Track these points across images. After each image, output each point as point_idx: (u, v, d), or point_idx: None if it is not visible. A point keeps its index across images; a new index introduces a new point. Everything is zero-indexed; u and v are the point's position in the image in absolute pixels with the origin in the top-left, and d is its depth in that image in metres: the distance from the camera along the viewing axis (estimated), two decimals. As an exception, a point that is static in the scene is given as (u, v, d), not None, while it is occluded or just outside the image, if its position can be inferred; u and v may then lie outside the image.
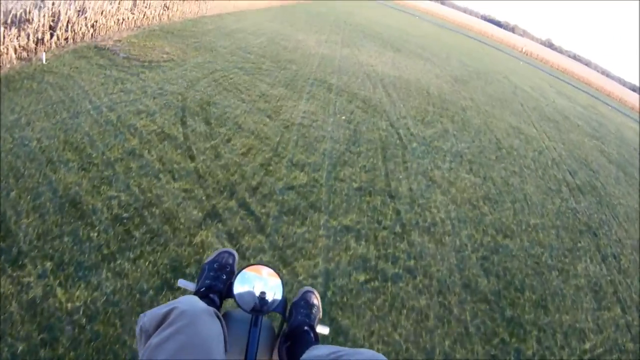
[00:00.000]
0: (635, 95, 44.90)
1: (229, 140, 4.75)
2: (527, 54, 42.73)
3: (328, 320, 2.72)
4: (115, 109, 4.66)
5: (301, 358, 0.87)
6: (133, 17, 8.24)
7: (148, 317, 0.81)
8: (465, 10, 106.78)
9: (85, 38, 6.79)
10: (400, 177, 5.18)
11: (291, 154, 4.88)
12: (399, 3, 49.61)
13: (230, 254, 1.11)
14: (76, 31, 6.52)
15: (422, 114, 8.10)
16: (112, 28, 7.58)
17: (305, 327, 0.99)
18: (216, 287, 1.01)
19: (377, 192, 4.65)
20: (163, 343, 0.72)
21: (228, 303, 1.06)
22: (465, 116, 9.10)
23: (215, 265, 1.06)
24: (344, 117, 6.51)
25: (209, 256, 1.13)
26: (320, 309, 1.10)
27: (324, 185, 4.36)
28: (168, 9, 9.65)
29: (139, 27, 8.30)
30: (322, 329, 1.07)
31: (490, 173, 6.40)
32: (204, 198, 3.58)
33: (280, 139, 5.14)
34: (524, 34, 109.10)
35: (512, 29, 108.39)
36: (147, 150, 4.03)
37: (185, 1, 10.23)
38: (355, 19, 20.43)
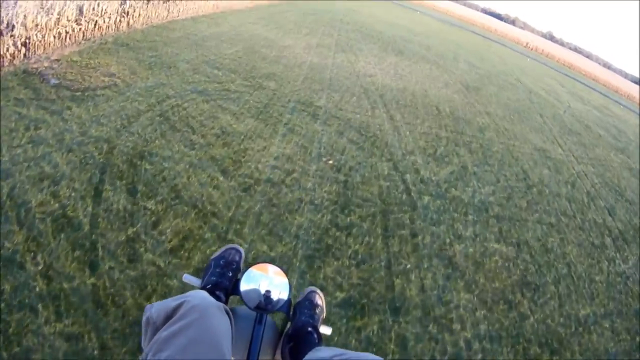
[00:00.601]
0: (637, 87, 44.29)
1: (155, 225, 3.10)
2: (532, 49, 40.87)
3: None
4: (11, 176, 3.03)
5: (304, 359, 0.88)
6: (80, 29, 6.53)
7: (156, 308, 0.81)
8: (465, 4, 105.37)
9: (15, 60, 5.13)
10: (408, 266, 3.53)
11: (248, 240, 3.22)
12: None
13: (237, 250, 1.10)
14: (1, 54, 4.87)
15: (434, 144, 6.42)
16: (52, 44, 5.90)
17: (309, 328, 1.00)
18: (222, 283, 1.00)
19: (374, 307, 3.01)
20: (173, 337, 0.71)
21: (233, 300, 1.02)
22: (484, 140, 7.42)
23: (221, 262, 1.05)
24: (331, 161, 4.83)
25: (216, 252, 1.11)
26: (324, 310, 1.09)
27: (293, 304, 2.65)
28: (127, 14, 7.94)
29: (89, 39, 6.60)
30: (326, 330, 1.06)
31: (524, 234, 4.77)
32: (96, 353, 1.96)
33: (234, 214, 3.48)
34: (525, 26, 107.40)
35: (513, 22, 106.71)
36: (30, 255, 2.45)
37: (150, 3, 8.50)
38: (354, 17, 18.65)
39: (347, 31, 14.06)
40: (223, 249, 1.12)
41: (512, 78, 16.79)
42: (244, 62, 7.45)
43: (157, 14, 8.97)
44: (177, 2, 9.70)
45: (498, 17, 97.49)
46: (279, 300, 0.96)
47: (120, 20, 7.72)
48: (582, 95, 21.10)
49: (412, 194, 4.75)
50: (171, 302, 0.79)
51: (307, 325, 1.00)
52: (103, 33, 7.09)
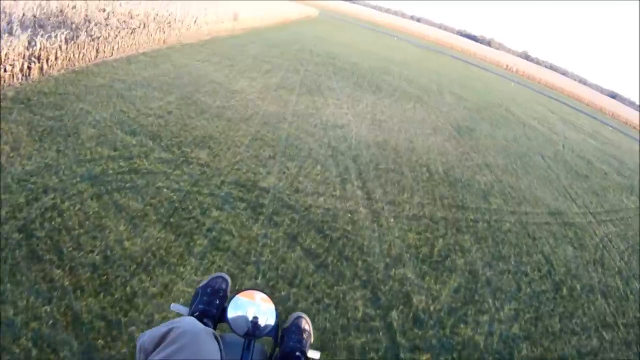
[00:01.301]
0: (616, 102, 44.91)
1: None
2: (513, 71, 40.30)
3: None
4: None
5: None
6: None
7: (148, 335, 0.82)
8: (440, 27, 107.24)
9: None
10: None
11: None
12: (376, 23, 47.22)
13: (224, 279, 1.10)
14: None
15: (429, 236, 4.65)
16: None
17: (297, 353, 1.01)
18: (210, 311, 1.01)
19: None
20: None
21: (221, 328, 1.02)
22: (490, 214, 5.73)
23: (208, 290, 1.06)
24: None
25: (202, 281, 1.11)
26: (312, 334, 1.09)
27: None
28: (39, 59, 6.06)
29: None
30: (314, 354, 1.06)
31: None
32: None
33: None
34: (500, 47, 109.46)
35: (489, 43, 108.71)
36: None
37: (74, 43, 6.66)
38: (325, 46, 17.09)
39: (316, 64, 12.38)
40: (210, 277, 1.11)
41: (502, 109, 15.40)
42: (173, 119, 5.58)
43: (81, 55, 7.09)
44: (112, 39, 7.85)
45: (474, 38, 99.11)
46: (266, 326, 0.96)
47: (29, 67, 5.83)
48: (572, 120, 20.22)
49: (403, 355, 2.84)
50: (162, 328, 0.79)
51: (296, 350, 1.00)
52: (4, 85, 5.20)
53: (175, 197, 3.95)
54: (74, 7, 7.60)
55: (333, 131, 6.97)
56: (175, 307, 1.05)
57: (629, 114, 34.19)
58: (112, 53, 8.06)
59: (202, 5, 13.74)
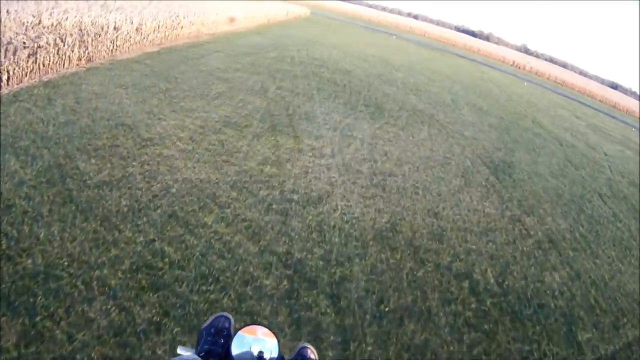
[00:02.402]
0: (618, 94, 42.16)
1: None
2: (519, 67, 37.07)
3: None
4: None
5: None
6: None
7: None
8: (438, 23, 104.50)
9: None
10: None
11: None
12: (373, 21, 44.05)
13: (226, 318, 1.11)
14: None
15: None
16: None
17: None
18: (215, 350, 1.01)
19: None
20: None
21: None
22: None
23: (212, 330, 1.07)
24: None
25: (206, 321, 1.12)
26: None
27: None
28: None
29: None
30: None
31: None
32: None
33: None
34: (499, 41, 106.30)
35: (487, 38, 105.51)
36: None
37: None
38: (313, 51, 13.95)
39: (294, 78, 9.28)
40: (212, 317, 1.10)
41: (529, 121, 12.37)
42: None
43: None
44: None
45: (472, 34, 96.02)
46: (271, 359, 0.94)
47: None
48: (598, 125, 17.69)
49: None
50: None
51: None
52: None
53: None
54: None
55: (301, 218, 3.89)
56: (181, 350, 1.04)
57: (631, 104, 32.19)
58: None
59: (164, 8, 10.75)
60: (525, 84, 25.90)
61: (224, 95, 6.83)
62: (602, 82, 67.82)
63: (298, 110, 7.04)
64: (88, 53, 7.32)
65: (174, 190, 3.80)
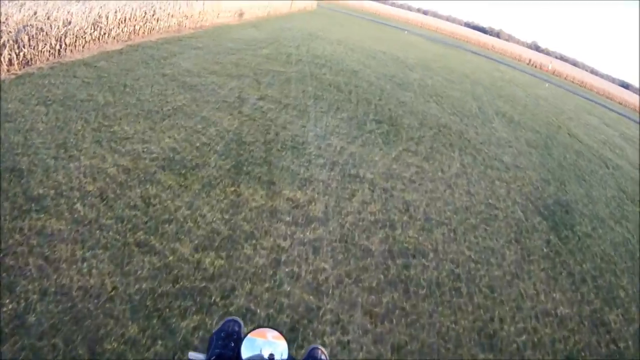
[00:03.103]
0: (630, 93, 40.12)
1: None
2: (536, 67, 34.60)
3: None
4: None
5: None
6: None
7: None
8: (448, 19, 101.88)
9: None
10: None
11: None
12: (383, 15, 41.70)
13: (236, 321, 1.11)
14: None
15: None
16: None
17: None
18: (226, 354, 1.00)
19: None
20: None
21: None
22: None
23: (222, 334, 1.06)
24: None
25: (216, 326, 1.12)
26: None
27: None
28: None
29: None
30: None
31: None
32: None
33: None
34: (510, 38, 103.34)
35: (497, 34, 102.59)
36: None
37: None
38: (315, 46, 11.85)
39: (286, 82, 7.26)
40: (223, 322, 1.10)
41: (565, 134, 10.44)
42: None
43: None
44: None
45: (482, 30, 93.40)
46: None
47: None
48: (630, 135, 15.46)
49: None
50: None
51: None
52: None
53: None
54: None
55: None
56: (193, 355, 1.02)
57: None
58: None
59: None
60: (547, 85, 23.75)
61: (180, 111, 4.81)
62: (613, 81, 65.16)
63: (282, 133, 5.01)
64: (24, 55, 5.36)
65: (31, 319, 1.79)
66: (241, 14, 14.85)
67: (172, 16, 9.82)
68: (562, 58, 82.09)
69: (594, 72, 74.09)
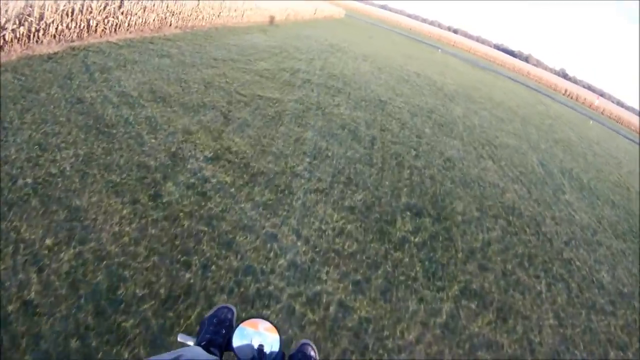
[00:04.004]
0: None
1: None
2: (572, 97, 31.20)
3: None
4: None
5: None
6: None
7: None
8: (478, 39, 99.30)
9: None
10: None
11: None
12: (414, 31, 38.95)
13: (229, 309, 1.02)
14: None
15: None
16: None
17: None
18: (216, 340, 0.93)
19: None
20: None
21: (227, 357, 0.90)
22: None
23: (214, 320, 0.99)
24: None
25: (209, 312, 1.04)
26: None
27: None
28: None
29: None
30: None
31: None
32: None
33: None
34: (538, 63, 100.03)
35: (526, 59, 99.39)
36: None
37: None
38: (337, 62, 9.22)
39: (278, 119, 4.64)
40: (215, 308, 1.02)
41: (635, 195, 7.29)
42: None
43: None
44: None
45: (511, 53, 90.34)
46: (271, 353, 0.87)
47: None
48: None
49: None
50: (166, 356, 0.73)
51: None
52: None
53: None
54: None
55: None
56: (182, 337, 0.94)
57: None
58: None
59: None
60: (591, 122, 20.71)
61: (38, 196, 2.11)
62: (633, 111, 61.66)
63: (221, 267, 2.25)
64: None
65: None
66: (272, 19, 12.30)
67: (151, 11, 7.23)
68: (590, 88, 78.29)
69: (619, 103, 70.34)
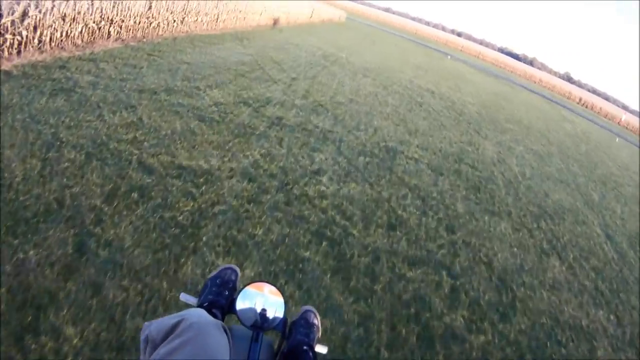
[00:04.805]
0: None
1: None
2: (587, 106, 28.70)
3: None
4: None
5: None
6: None
7: (155, 326, 0.73)
8: (482, 43, 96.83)
9: None
10: None
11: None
12: (420, 35, 36.49)
13: (233, 270, 1.00)
14: None
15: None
16: None
17: (305, 347, 0.89)
18: (219, 302, 0.91)
19: None
20: (171, 354, 0.65)
21: (229, 319, 0.87)
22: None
23: (218, 281, 0.96)
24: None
25: (212, 272, 1.01)
26: (320, 329, 0.98)
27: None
28: None
29: None
30: (321, 349, 0.95)
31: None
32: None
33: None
34: (543, 67, 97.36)
35: (531, 62, 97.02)
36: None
37: None
38: (329, 82, 6.97)
39: (212, 233, 2.38)
40: (220, 268, 1.00)
41: None
42: None
43: None
44: None
45: (516, 57, 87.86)
46: (274, 319, 0.84)
47: None
48: None
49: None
50: (169, 319, 0.70)
51: (303, 344, 0.88)
52: None
53: None
54: None
55: None
56: (184, 297, 0.92)
57: None
58: None
59: None
60: (617, 140, 18.43)
61: None
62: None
63: None
64: None
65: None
66: (275, 21, 10.01)
67: (75, 21, 4.98)
68: (595, 92, 75.68)
69: (624, 107, 67.50)
